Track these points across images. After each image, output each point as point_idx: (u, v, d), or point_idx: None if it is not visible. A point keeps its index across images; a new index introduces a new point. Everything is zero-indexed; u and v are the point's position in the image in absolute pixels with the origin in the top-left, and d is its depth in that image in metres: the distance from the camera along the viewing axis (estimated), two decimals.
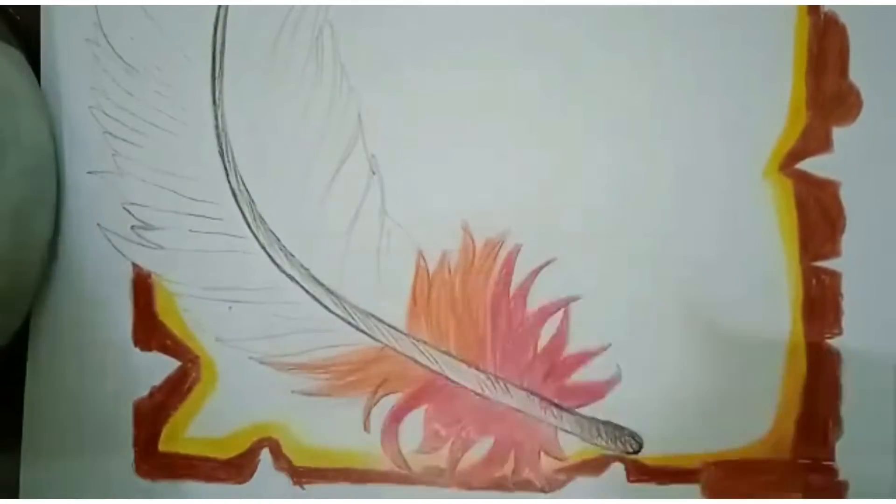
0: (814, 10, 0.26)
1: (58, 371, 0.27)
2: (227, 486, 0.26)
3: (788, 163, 0.26)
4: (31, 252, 0.25)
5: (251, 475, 0.26)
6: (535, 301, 0.26)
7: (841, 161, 0.26)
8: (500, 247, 0.26)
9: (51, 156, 0.26)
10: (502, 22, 0.26)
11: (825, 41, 0.26)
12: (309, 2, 0.26)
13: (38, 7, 0.27)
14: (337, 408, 0.26)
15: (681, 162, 0.26)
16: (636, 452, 0.26)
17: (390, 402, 0.26)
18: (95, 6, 0.27)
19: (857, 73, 0.26)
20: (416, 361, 0.26)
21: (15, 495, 0.26)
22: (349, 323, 0.26)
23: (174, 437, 0.27)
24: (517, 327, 0.26)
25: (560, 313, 0.26)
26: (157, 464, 0.27)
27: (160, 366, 0.27)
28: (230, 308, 0.26)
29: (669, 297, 0.26)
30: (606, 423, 0.26)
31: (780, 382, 0.25)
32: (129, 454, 0.26)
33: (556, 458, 0.26)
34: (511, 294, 0.26)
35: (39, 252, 0.25)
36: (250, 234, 0.27)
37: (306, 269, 0.26)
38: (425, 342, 0.26)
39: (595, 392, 0.26)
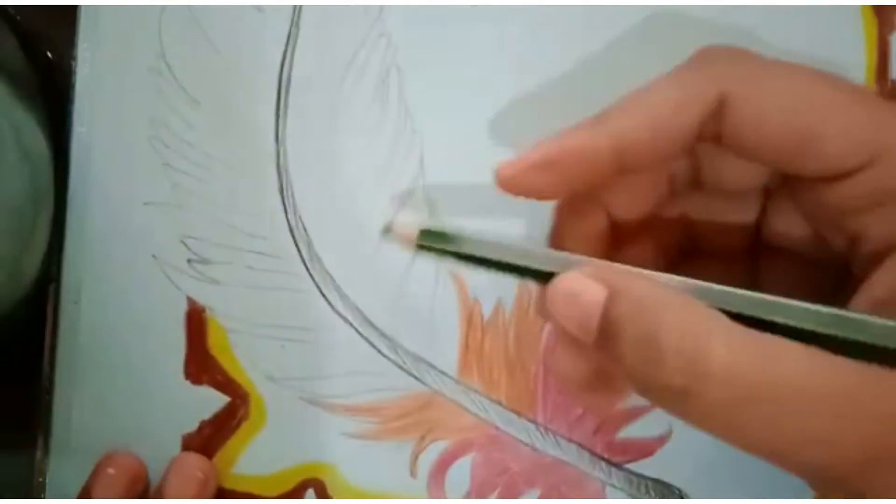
0: (881, 78, 0.26)
1: (106, 400, 0.26)
2: None
3: None
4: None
5: None
6: None
7: None
8: None
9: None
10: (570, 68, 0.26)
11: None
12: (378, 41, 0.26)
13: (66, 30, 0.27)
14: (384, 452, 0.26)
15: None
16: None
17: (438, 448, 0.26)
18: (160, 36, 0.27)
19: None
20: (465, 409, 0.26)
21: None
22: (400, 367, 0.26)
23: (221, 473, 0.26)
24: None
25: None
26: None
27: (210, 401, 0.26)
28: (282, 346, 0.26)
29: None
30: (655, 481, 0.26)
31: None
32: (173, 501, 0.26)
33: None
34: None
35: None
36: (306, 273, 0.26)
37: (360, 311, 0.26)
38: (476, 390, 0.26)
39: (645, 449, 0.26)
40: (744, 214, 0.21)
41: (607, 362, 0.18)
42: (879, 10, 0.27)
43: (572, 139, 0.19)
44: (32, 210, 0.25)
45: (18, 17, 0.27)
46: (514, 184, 0.19)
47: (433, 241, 0.20)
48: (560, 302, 0.18)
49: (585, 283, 0.17)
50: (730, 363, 0.15)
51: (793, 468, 0.16)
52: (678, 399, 0.16)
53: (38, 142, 0.26)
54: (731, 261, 0.22)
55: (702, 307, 0.16)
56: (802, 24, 0.27)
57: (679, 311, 0.16)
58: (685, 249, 0.22)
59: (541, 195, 0.20)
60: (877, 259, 0.18)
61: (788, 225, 0.21)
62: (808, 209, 0.20)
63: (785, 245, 0.21)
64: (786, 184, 0.20)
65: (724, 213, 0.21)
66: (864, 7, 0.27)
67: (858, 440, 0.15)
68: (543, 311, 0.18)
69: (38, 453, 0.26)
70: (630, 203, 0.21)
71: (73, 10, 0.27)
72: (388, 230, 0.21)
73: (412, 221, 0.20)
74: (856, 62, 0.27)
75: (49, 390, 0.26)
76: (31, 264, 0.25)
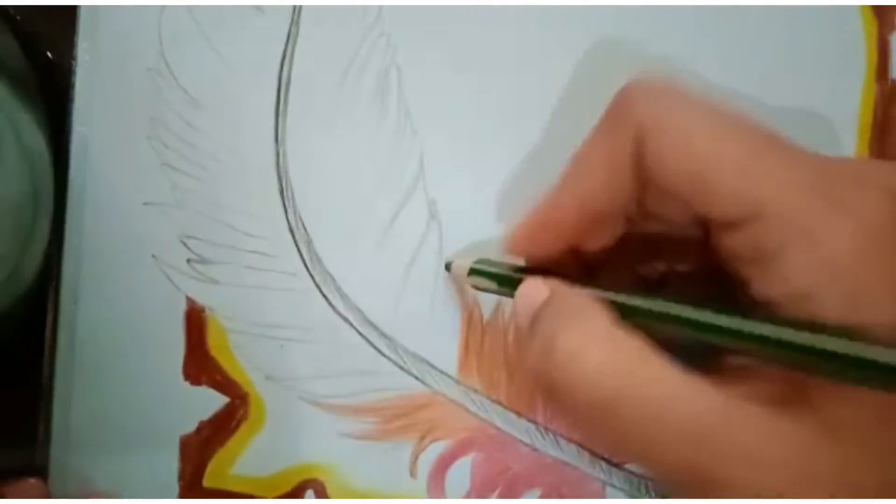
0: (881, 78, 0.26)
1: (105, 401, 0.26)
2: None
3: None
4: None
5: None
6: None
7: None
8: None
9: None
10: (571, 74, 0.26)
11: (891, 108, 0.26)
12: (377, 41, 0.26)
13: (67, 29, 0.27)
14: (384, 452, 0.26)
15: None
16: None
17: (438, 448, 0.26)
18: (159, 36, 0.27)
19: None
20: (466, 409, 0.26)
21: None
22: (401, 367, 0.26)
23: (219, 474, 0.26)
24: None
25: None
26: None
27: (209, 401, 0.26)
28: (282, 346, 0.26)
29: None
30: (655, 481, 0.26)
31: None
32: (174, 489, 0.26)
33: None
34: None
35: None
36: (306, 273, 0.26)
37: (360, 311, 0.26)
38: (476, 390, 0.26)
39: None
40: (693, 236, 0.22)
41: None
42: (879, 11, 0.27)
43: (546, 213, 0.22)
44: (32, 210, 0.25)
45: (18, 17, 0.27)
46: (520, 251, 0.23)
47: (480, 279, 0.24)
48: (519, 299, 0.21)
49: (537, 286, 0.21)
50: (600, 364, 0.18)
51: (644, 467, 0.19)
52: (554, 394, 0.18)
53: (37, 141, 0.26)
54: (697, 282, 0.23)
55: (603, 317, 0.19)
56: (803, 25, 0.27)
57: (583, 316, 0.19)
58: (658, 274, 0.24)
59: (546, 251, 0.22)
60: (761, 307, 0.18)
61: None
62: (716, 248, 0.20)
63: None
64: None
65: (674, 235, 0.22)
66: (863, 7, 0.27)
67: (708, 468, 0.17)
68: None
69: (38, 453, 0.26)
70: (592, 242, 0.22)
71: (73, 10, 0.27)
72: (448, 268, 0.26)
73: (464, 262, 0.25)
74: (856, 62, 0.27)
75: (49, 390, 0.26)
76: (31, 264, 0.25)
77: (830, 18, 0.27)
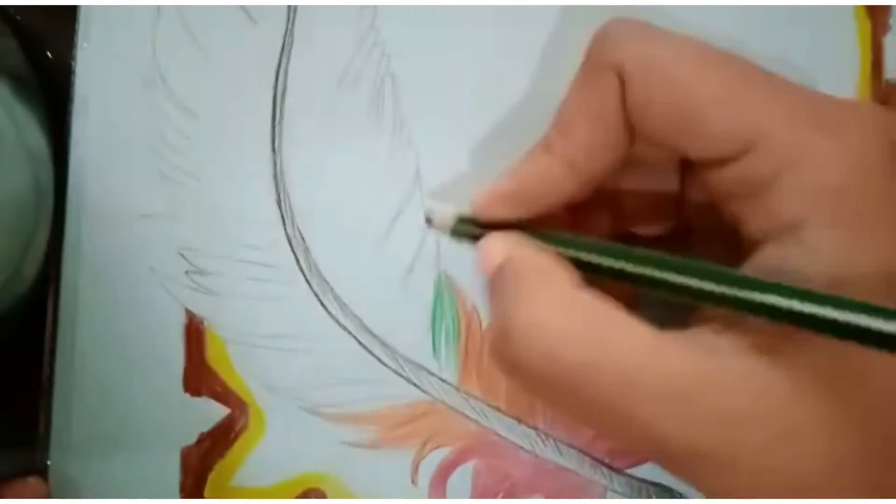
0: (876, 78, 0.26)
1: (106, 414, 0.26)
2: None
3: None
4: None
5: None
6: None
7: None
8: None
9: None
10: None
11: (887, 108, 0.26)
12: (372, 51, 0.27)
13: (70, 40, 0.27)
14: (385, 460, 0.26)
15: None
16: None
17: (439, 456, 0.26)
18: (153, 48, 0.27)
19: None
20: (466, 416, 0.26)
21: None
22: (400, 375, 0.26)
23: (220, 486, 0.26)
24: None
25: None
26: None
27: (209, 412, 0.26)
28: (282, 356, 0.26)
29: None
30: (657, 486, 0.26)
31: None
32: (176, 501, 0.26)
33: None
34: None
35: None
36: (304, 283, 0.26)
37: (359, 320, 0.26)
38: (476, 397, 0.26)
39: None
40: (666, 187, 0.21)
41: None
42: (872, 11, 0.27)
43: (528, 172, 0.20)
44: (34, 209, 0.25)
45: (18, 17, 0.27)
46: (488, 213, 0.21)
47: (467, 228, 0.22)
48: (479, 255, 0.20)
49: (495, 246, 0.20)
50: (564, 335, 0.17)
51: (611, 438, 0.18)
52: (516, 371, 0.18)
53: (38, 141, 0.26)
54: (665, 240, 0.22)
55: (565, 281, 0.18)
56: (796, 25, 0.27)
57: (542, 282, 0.18)
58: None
59: (513, 218, 0.21)
60: (752, 247, 0.18)
61: (700, 200, 0.21)
62: (704, 189, 0.20)
63: (702, 220, 0.21)
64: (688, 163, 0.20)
65: (648, 185, 0.22)
66: (857, 8, 0.27)
67: (686, 434, 0.16)
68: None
69: (38, 453, 0.26)
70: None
71: (73, 10, 0.27)
72: (428, 219, 0.24)
73: (448, 210, 0.23)
74: (849, 63, 0.27)
75: (49, 391, 0.26)
76: (32, 264, 0.25)
77: (824, 19, 0.27)
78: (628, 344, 0.16)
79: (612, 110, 0.18)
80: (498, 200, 0.21)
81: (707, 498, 0.17)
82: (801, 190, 0.16)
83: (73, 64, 0.27)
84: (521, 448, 0.26)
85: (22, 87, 0.26)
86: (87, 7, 0.27)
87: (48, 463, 0.26)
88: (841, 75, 0.27)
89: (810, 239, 0.16)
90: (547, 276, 0.18)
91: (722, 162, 0.17)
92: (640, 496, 0.26)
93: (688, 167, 0.21)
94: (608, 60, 0.18)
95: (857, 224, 0.16)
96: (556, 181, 0.20)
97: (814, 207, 0.16)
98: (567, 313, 0.17)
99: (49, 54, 0.27)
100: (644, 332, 0.17)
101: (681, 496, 0.26)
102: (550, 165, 0.20)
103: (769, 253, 0.17)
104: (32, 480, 0.26)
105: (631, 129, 0.19)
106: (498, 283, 0.19)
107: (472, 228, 0.22)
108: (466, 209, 0.22)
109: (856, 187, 0.16)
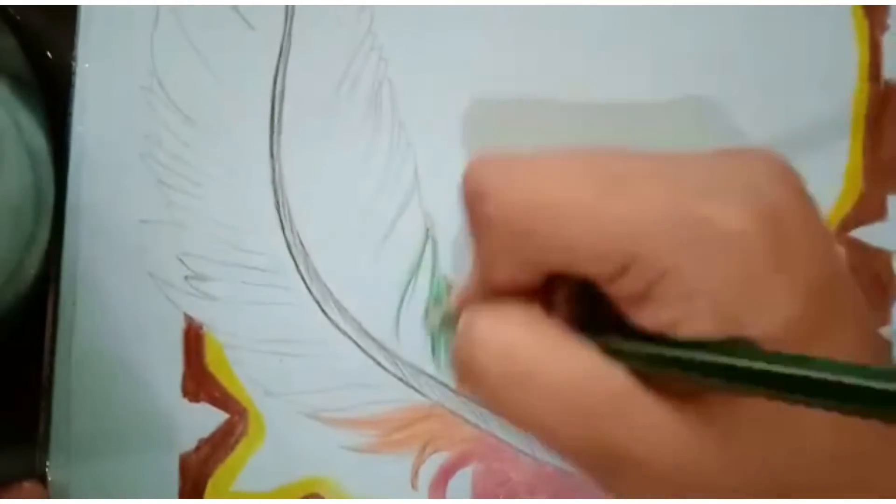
0: (874, 78, 0.26)
1: (103, 419, 0.26)
2: None
3: (842, 230, 0.26)
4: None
5: None
6: None
7: (895, 230, 0.26)
8: None
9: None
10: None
11: (884, 109, 0.26)
12: (369, 55, 0.27)
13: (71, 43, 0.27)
14: (385, 464, 0.26)
15: None
16: None
17: (439, 459, 0.26)
18: (152, 54, 0.27)
19: None
20: (465, 419, 0.26)
21: None
22: (400, 379, 0.26)
23: (219, 491, 0.26)
24: None
25: None
26: None
27: (208, 417, 0.26)
28: (280, 361, 0.26)
29: None
30: None
31: None
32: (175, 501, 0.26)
33: None
34: None
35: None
36: (303, 287, 0.26)
37: (359, 324, 0.26)
38: (475, 401, 0.26)
39: None
40: None
41: None
42: (870, 11, 0.27)
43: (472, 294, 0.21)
44: (34, 209, 0.25)
45: (18, 17, 0.27)
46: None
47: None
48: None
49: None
50: (514, 340, 0.18)
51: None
52: (468, 373, 0.19)
53: (38, 142, 0.26)
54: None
55: (520, 303, 0.19)
56: (794, 26, 0.27)
57: (500, 305, 0.19)
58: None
59: None
60: None
61: None
62: None
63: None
64: None
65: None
66: (854, 8, 0.27)
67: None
68: None
69: (38, 454, 0.26)
70: None
71: (73, 10, 0.27)
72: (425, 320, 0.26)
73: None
74: (848, 64, 0.27)
75: (49, 391, 0.26)
76: (32, 264, 0.25)
77: (822, 20, 0.27)
78: (572, 356, 0.18)
79: (506, 255, 0.19)
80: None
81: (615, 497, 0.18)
82: (675, 297, 0.17)
83: (73, 64, 0.27)
84: (521, 451, 0.26)
85: (22, 87, 0.26)
86: (87, 7, 0.27)
87: (47, 465, 0.26)
88: (839, 76, 0.27)
89: (692, 334, 0.17)
90: (504, 301, 0.19)
91: (604, 283, 0.18)
92: None
93: None
94: (478, 215, 0.19)
95: (736, 313, 0.16)
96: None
97: (690, 310, 0.16)
98: (519, 324, 0.18)
99: (49, 54, 0.27)
100: (589, 352, 0.18)
101: None
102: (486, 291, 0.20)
103: None
104: (30, 485, 0.26)
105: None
106: (464, 315, 0.20)
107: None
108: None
109: (730, 279, 0.16)
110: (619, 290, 0.17)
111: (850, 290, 0.18)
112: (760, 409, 0.16)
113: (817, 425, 0.17)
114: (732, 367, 0.15)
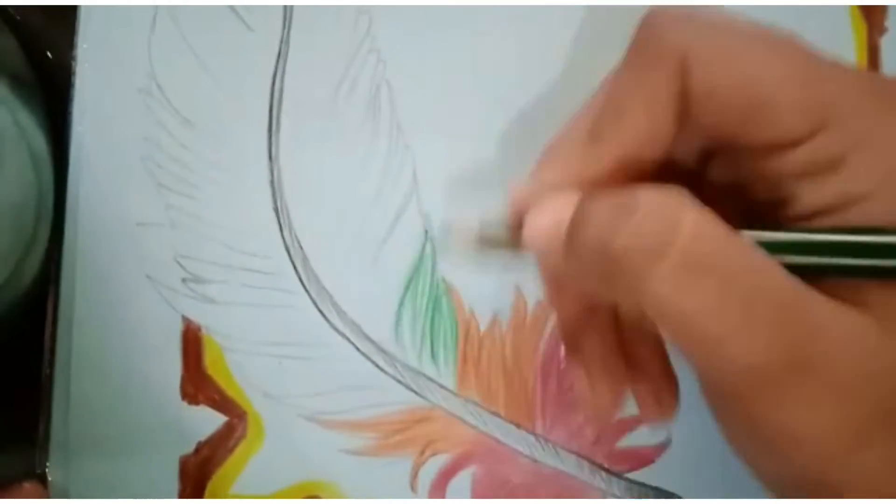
0: None
1: (103, 420, 0.26)
2: None
3: None
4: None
5: None
6: None
7: None
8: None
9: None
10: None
11: None
12: (367, 57, 0.27)
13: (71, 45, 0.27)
14: (384, 467, 0.26)
15: None
16: None
17: (438, 462, 0.26)
18: (149, 56, 0.27)
19: None
20: (464, 422, 0.26)
21: None
22: (399, 381, 0.26)
23: (218, 494, 0.26)
24: (567, 390, 0.26)
25: None
26: None
27: (207, 420, 0.26)
28: (279, 364, 0.26)
29: None
30: (656, 490, 0.26)
31: None
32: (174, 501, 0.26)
33: None
34: (562, 356, 0.26)
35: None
36: (302, 290, 0.26)
37: (357, 326, 0.26)
38: (475, 403, 0.26)
39: (645, 458, 0.26)
40: (685, 164, 0.21)
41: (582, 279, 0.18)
42: (868, 13, 0.27)
43: (574, 171, 0.19)
44: (36, 209, 0.25)
45: (18, 17, 0.27)
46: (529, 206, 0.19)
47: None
48: (533, 224, 0.18)
49: (552, 204, 0.18)
50: (696, 233, 0.16)
51: (708, 360, 0.16)
52: (636, 269, 0.16)
53: (39, 142, 0.26)
54: None
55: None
56: (792, 28, 0.27)
57: (652, 194, 0.16)
58: None
59: None
60: (800, 221, 0.18)
61: (723, 178, 0.20)
62: (744, 174, 0.19)
63: (720, 196, 0.20)
64: (722, 149, 0.20)
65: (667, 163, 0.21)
66: (852, 9, 0.27)
67: (788, 342, 0.15)
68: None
69: (37, 454, 0.26)
70: None
71: (73, 10, 0.27)
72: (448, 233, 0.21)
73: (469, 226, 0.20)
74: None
75: (48, 391, 0.26)
76: (32, 264, 0.25)
77: (820, 21, 0.27)
78: (748, 251, 0.16)
79: (669, 97, 0.18)
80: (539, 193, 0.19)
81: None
82: (871, 168, 0.16)
83: (73, 64, 0.27)
84: (521, 453, 0.26)
85: (22, 87, 0.26)
86: (87, 7, 0.27)
87: (47, 465, 0.26)
88: None
89: (872, 213, 0.16)
90: (664, 193, 0.17)
91: (789, 144, 0.17)
92: (639, 499, 0.26)
93: (708, 153, 0.21)
94: (668, 46, 0.18)
95: None
96: (604, 174, 0.19)
97: (883, 184, 0.16)
98: (698, 210, 0.16)
99: (49, 54, 0.27)
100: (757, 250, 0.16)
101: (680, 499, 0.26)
102: (600, 156, 0.19)
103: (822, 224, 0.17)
104: (30, 485, 0.25)
105: (682, 119, 0.18)
106: (589, 216, 0.17)
107: (500, 235, 0.20)
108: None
109: None
110: (803, 156, 0.16)
111: None
112: None
113: None
114: None
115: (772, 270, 0.16)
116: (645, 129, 0.18)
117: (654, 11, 0.18)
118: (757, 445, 0.17)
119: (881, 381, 0.16)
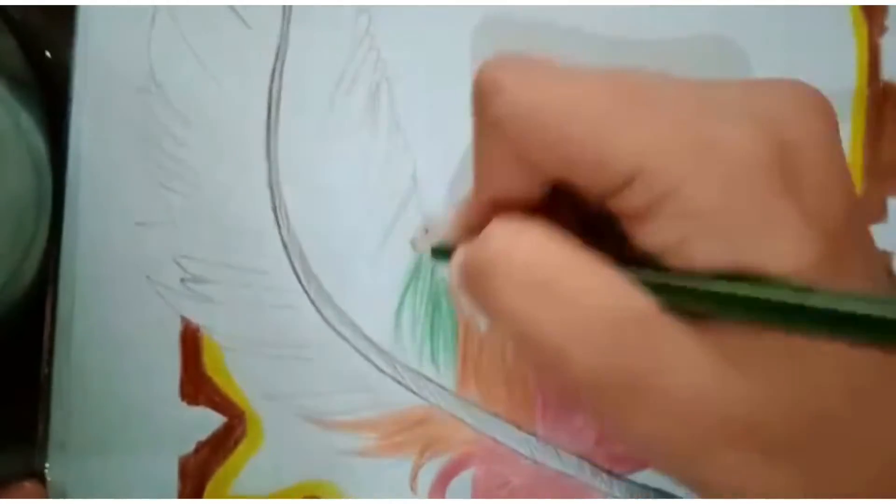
0: (873, 79, 0.26)
1: (102, 420, 0.26)
2: None
3: None
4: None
5: None
6: None
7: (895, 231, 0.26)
8: None
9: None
10: None
11: (884, 110, 0.26)
12: (367, 56, 0.26)
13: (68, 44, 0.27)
14: (384, 468, 0.26)
15: None
16: None
17: (438, 463, 0.26)
18: (149, 55, 0.27)
19: None
20: (465, 423, 0.26)
21: None
22: (399, 382, 0.26)
23: (218, 494, 0.26)
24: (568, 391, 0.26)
25: None
26: None
27: (206, 421, 0.26)
28: (279, 364, 0.26)
29: None
30: (657, 491, 0.26)
31: None
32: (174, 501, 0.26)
33: None
34: None
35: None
36: (301, 290, 0.26)
37: (357, 327, 0.26)
38: (475, 403, 0.26)
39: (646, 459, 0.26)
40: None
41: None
42: (869, 13, 0.27)
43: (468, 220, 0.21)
44: (35, 209, 0.25)
45: (17, 17, 0.27)
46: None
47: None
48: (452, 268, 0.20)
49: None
50: (532, 253, 0.18)
51: (552, 367, 0.17)
52: (482, 284, 0.18)
53: (38, 142, 0.26)
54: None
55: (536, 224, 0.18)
56: (793, 27, 0.27)
57: (498, 225, 0.18)
58: None
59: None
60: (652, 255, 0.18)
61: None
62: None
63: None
64: None
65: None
66: (853, 9, 0.27)
67: (622, 361, 0.16)
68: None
69: (37, 453, 0.26)
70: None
71: (73, 10, 0.27)
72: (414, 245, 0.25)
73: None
74: (847, 65, 0.27)
75: (48, 391, 0.26)
76: (32, 264, 0.25)
77: (820, 21, 0.27)
78: (591, 271, 0.17)
79: (503, 158, 0.19)
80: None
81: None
82: (678, 217, 0.16)
83: (72, 64, 0.27)
84: (521, 454, 0.26)
85: (21, 86, 0.26)
86: (86, 7, 0.27)
87: (46, 465, 0.26)
88: (838, 77, 0.27)
89: (693, 260, 0.16)
90: (520, 221, 0.18)
91: (608, 194, 0.17)
92: (640, 501, 0.26)
93: None
94: (488, 112, 0.18)
95: (737, 241, 0.16)
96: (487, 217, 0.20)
97: (692, 232, 0.16)
98: (536, 238, 0.18)
99: (48, 54, 0.27)
100: (606, 268, 0.17)
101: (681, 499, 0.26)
102: (484, 210, 0.20)
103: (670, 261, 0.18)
104: (29, 485, 0.25)
105: (530, 169, 0.19)
106: (472, 245, 0.19)
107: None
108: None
109: (732, 205, 0.16)
110: (621, 205, 0.17)
111: (866, 234, 0.18)
112: (777, 341, 0.16)
113: (829, 360, 0.16)
114: (733, 296, 0.15)
115: (612, 289, 0.17)
116: (503, 184, 0.19)
117: (478, 76, 0.19)
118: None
119: (718, 404, 0.16)
